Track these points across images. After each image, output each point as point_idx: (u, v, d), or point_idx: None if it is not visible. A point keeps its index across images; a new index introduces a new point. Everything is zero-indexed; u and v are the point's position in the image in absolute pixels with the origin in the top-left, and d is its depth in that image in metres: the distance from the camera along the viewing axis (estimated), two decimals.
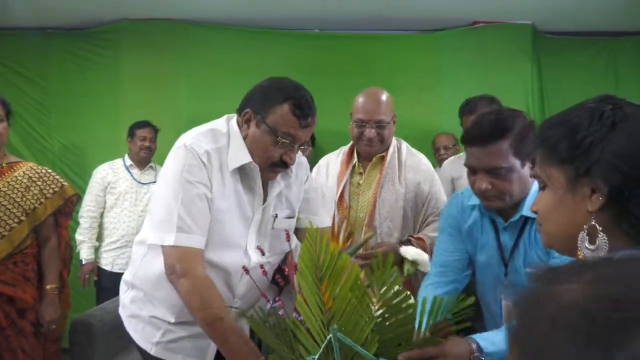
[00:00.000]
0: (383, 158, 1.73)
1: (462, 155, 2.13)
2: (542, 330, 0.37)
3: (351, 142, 1.83)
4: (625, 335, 0.33)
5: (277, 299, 0.97)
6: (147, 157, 2.93)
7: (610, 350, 0.33)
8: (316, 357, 0.85)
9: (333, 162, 1.88)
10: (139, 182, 2.87)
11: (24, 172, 1.94)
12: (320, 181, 1.87)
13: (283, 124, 1.17)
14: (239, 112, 1.25)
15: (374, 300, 0.88)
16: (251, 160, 1.20)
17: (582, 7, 3.25)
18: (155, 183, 2.88)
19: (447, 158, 3.02)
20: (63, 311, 2.09)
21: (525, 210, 1.23)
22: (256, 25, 3.50)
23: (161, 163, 3.05)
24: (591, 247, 0.66)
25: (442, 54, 3.51)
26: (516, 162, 1.19)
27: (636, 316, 0.34)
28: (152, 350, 1.26)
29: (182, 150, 1.17)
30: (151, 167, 2.98)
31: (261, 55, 3.40)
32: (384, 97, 1.71)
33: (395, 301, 0.88)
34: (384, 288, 0.88)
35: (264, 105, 1.19)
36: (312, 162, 3.34)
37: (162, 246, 1.15)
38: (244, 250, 1.25)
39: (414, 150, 1.81)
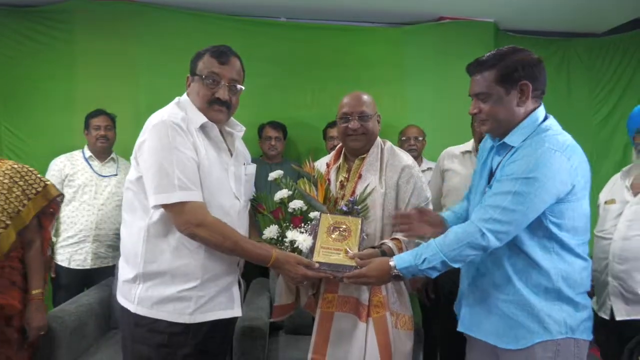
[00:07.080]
0: (364, 159, 1.74)
1: (455, 148, 2.41)
2: None
3: (340, 144, 1.85)
4: None
5: None
6: (105, 147, 2.78)
7: None
8: None
9: (322, 164, 1.88)
10: (100, 175, 2.73)
11: (4, 172, 1.80)
12: None
13: (205, 67, 1.47)
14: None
15: None
16: (207, 120, 1.46)
17: (540, 9, 3.38)
18: (117, 176, 2.77)
19: (416, 149, 3.08)
20: None
21: (508, 139, 1.40)
22: (222, 10, 3.38)
23: (123, 154, 2.92)
24: None
25: (408, 47, 3.53)
26: (499, 90, 1.37)
27: None
28: (191, 320, 1.40)
29: (161, 125, 1.38)
30: (112, 158, 2.83)
31: (225, 43, 3.25)
32: (366, 95, 1.78)
33: None
34: None
35: (194, 65, 1.50)
36: (284, 154, 3.32)
37: (168, 205, 1.36)
38: (233, 194, 1.51)
39: (397, 150, 1.79)
